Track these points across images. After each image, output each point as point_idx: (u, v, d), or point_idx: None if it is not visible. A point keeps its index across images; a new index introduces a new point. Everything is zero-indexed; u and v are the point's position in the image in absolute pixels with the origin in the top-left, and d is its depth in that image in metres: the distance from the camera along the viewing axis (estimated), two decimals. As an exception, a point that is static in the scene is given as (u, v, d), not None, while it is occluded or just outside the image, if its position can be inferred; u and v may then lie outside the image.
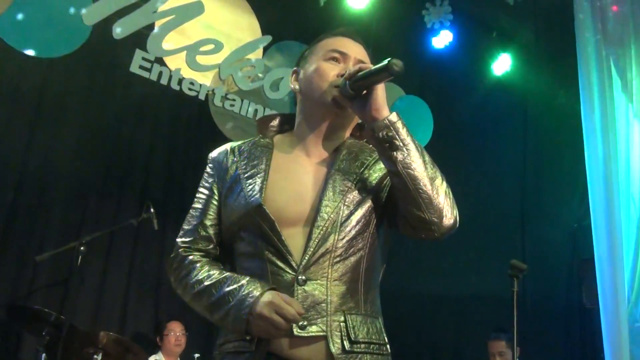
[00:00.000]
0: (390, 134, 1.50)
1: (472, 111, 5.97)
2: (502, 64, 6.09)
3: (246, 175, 1.63)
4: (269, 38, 5.20)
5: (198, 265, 1.61)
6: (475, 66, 6.13)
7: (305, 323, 1.47)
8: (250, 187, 1.60)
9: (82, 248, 3.93)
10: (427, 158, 1.54)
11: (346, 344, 1.49)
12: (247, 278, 1.52)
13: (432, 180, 1.52)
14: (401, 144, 1.50)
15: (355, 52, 1.71)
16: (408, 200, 1.52)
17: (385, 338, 1.59)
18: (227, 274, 1.57)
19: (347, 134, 1.74)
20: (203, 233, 1.65)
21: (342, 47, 1.69)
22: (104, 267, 4.57)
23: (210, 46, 4.92)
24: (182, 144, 5.02)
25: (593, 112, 4.69)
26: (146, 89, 4.72)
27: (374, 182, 1.63)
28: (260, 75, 5.16)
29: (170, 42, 4.75)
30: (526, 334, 3.83)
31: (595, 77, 4.73)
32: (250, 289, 1.48)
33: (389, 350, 1.59)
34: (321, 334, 1.48)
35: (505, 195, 5.93)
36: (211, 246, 1.66)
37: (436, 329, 5.64)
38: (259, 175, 1.62)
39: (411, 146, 1.52)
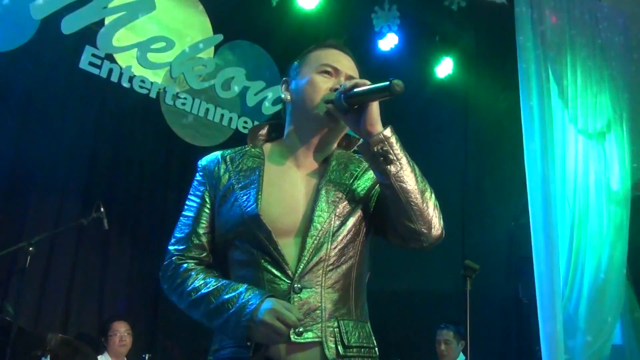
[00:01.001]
0: (385, 148, 1.56)
1: (416, 112, 6.06)
2: (444, 68, 6.23)
3: (240, 185, 1.66)
4: (220, 37, 5.17)
5: (193, 273, 1.63)
6: (420, 69, 6.23)
7: (301, 329, 1.52)
8: (245, 197, 1.63)
9: (30, 249, 3.84)
10: (417, 171, 1.61)
11: (340, 349, 1.55)
12: (245, 286, 1.55)
13: (422, 193, 1.59)
14: (395, 158, 1.57)
15: (347, 66, 1.75)
16: (399, 212, 1.59)
17: (374, 341, 1.66)
18: (225, 281, 1.60)
19: (336, 144, 1.79)
20: (196, 241, 1.67)
21: (334, 62, 1.74)
22: (47, 267, 4.46)
23: (162, 44, 4.86)
24: (133, 142, 4.94)
25: (532, 115, 4.83)
26: (96, 85, 4.62)
27: (362, 192, 1.69)
28: (211, 74, 5.14)
29: (120, 38, 4.65)
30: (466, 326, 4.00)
31: (534, 83, 4.89)
32: (249, 297, 1.51)
33: (377, 353, 1.66)
34: (317, 339, 1.54)
35: (446, 195, 6.01)
36: (204, 254, 1.68)
37: (382, 326, 5.74)
38: (252, 186, 1.65)
39: (404, 160, 1.58)
